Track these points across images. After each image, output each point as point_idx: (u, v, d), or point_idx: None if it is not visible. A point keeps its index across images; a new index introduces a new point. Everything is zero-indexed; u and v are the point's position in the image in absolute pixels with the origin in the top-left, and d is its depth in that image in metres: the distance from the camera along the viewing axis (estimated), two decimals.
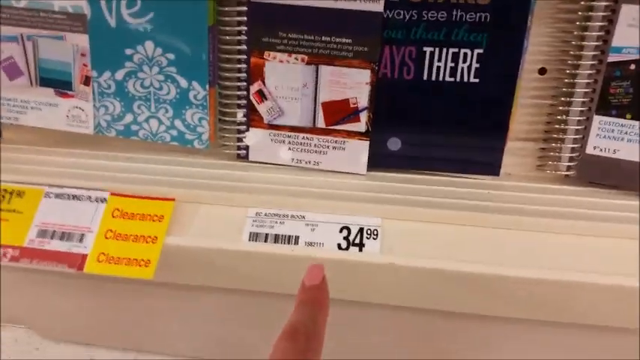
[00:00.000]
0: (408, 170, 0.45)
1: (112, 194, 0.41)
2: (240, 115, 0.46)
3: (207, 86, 0.46)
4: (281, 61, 0.43)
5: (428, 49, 0.42)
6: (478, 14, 0.40)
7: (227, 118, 0.47)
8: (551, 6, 0.42)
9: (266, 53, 0.44)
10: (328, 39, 0.42)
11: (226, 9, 0.44)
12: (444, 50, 0.41)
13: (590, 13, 0.40)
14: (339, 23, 0.41)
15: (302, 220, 0.41)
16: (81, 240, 0.40)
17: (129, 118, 0.47)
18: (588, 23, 0.41)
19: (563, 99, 0.43)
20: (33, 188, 0.42)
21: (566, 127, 0.43)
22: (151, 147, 0.48)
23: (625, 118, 0.41)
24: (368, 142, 0.44)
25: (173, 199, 0.40)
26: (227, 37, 0.45)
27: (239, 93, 0.45)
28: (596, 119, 0.42)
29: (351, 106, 0.43)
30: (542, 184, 0.44)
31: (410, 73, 0.42)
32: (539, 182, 0.44)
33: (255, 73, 0.44)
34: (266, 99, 0.45)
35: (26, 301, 0.48)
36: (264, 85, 0.44)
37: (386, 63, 0.42)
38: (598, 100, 0.42)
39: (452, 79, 0.42)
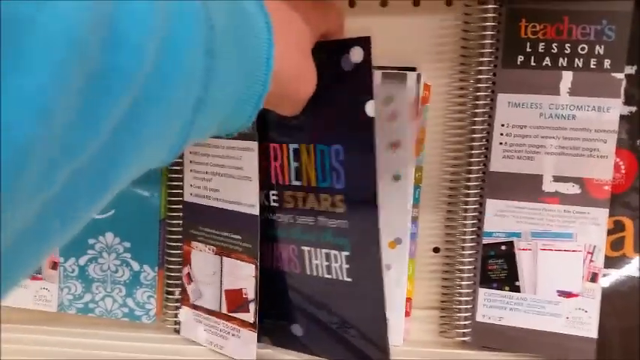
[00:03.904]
0: (312, 355, 0.48)
1: None
2: (176, 293, 0.53)
3: (157, 268, 0.54)
4: (200, 250, 0.51)
5: (305, 249, 0.46)
6: (339, 221, 0.43)
7: (170, 297, 0.54)
8: (436, 196, 0.51)
9: (192, 243, 0.52)
10: (226, 234, 0.49)
11: (173, 206, 0.53)
12: (318, 250, 0.45)
13: (465, 207, 0.49)
14: (232, 222, 0.48)
15: None
16: None
17: (88, 297, 0.55)
18: (465, 214, 0.49)
19: (454, 274, 0.50)
20: None
21: (459, 298, 0.50)
22: (104, 322, 0.55)
23: (504, 290, 0.49)
24: (255, 334, 0.47)
25: None
26: (173, 229, 0.53)
27: (179, 274, 0.53)
28: (481, 291, 0.49)
29: (243, 296, 0.48)
30: (444, 349, 0.50)
31: (297, 267, 0.47)
32: (443, 347, 0.50)
33: (186, 259, 0.52)
34: (192, 281, 0.52)
35: None
36: (191, 269, 0.52)
37: (278, 257, 0.48)
38: (480, 275, 0.49)
39: (329, 276, 0.45)
